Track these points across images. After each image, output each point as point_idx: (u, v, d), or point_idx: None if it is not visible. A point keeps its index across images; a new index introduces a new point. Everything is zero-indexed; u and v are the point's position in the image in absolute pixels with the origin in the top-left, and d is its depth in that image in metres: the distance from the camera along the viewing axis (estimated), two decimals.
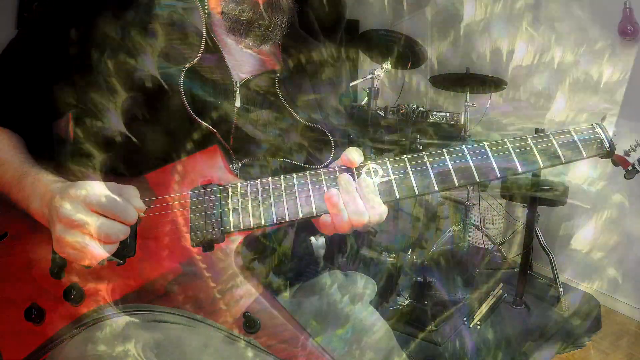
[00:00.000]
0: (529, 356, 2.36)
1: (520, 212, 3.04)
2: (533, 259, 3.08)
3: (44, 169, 0.84)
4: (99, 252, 0.74)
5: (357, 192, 0.80)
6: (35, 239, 0.81)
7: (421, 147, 3.07)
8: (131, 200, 0.78)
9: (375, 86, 3.08)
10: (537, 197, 2.75)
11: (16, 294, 0.80)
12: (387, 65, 3.11)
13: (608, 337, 2.77)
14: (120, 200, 0.76)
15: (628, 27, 2.86)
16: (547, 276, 3.01)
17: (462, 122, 3.20)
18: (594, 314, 2.82)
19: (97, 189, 0.75)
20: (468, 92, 3.27)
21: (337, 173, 0.83)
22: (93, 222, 0.73)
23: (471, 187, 3.30)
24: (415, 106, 3.20)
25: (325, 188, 0.81)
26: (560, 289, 2.77)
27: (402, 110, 3.23)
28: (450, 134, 3.22)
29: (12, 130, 0.92)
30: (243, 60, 0.97)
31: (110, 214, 0.74)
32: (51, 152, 0.93)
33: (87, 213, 0.73)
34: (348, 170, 0.83)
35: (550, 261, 2.88)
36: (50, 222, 0.76)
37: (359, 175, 0.82)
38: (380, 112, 3.19)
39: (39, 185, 0.80)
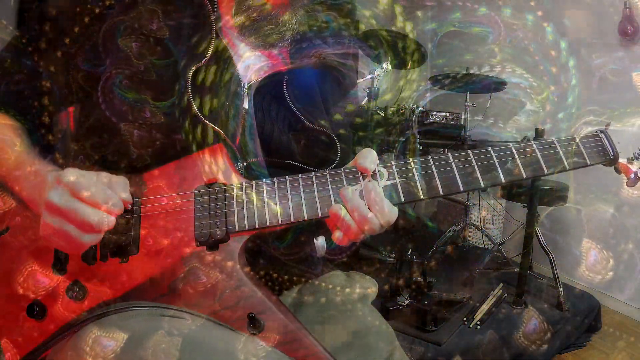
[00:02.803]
0: (529, 356, 2.36)
1: (520, 212, 3.04)
2: (533, 259, 3.08)
3: (42, 159, 0.84)
4: (81, 240, 0.73)
5: (363, 199, 0.80)
6: (37, 234, 0.81)
7: (421, 147, 3.07)
8: (118, 191, 0.77)
9: (375, 86, 3.08)
10: (537, 197, 2.75)
11: (18, 290, 0.80)
12: (387, 65, 3.12)
13: (608, 337, 2.77)
14: (106, 189, 0.75)
15: (628, 27, 2.86)
16: (547, 276, 3.00)
17: (462, 122, 3.20)
18: (594, 314, 2.82)
19: (85, 176, 0.74)
20: (468, 92, 3.27)
21: (343, 175, 0.82)
22: (75, 209, 0.72)
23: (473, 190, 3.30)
24: (415, 106, 3.20)
25: (330, 190, 0.81)
26: (560, 289, 2.76)
27: (402, 110, 3.24)
28: (450, 134, 3.22)
29: (14, 118, 0.92)
30: (252, 62, 0.97)
31: (94, 203, 0.73)
32: (52, 144, 0.93)
33: (71, 200, 0.72)
34: (355, 171, 0.83)
35: (550, 261, 2.88)
36: (40, 210, 0.76)
37: (364, 177, 0.82)
38: (380, 112, 3.19)
39: (36, 175, 0.80)
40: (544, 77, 3.44)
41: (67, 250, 0.75)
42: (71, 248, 0.75)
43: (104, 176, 0.77)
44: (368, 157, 0.82)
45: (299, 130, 0.99)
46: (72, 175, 0.73)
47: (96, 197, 0.73)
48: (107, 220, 0.74)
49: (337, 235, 0.80)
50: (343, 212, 0.79)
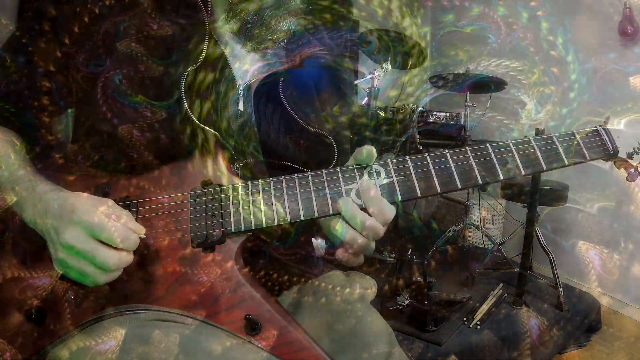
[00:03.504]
0: (529, 356, 2.35)
1: (520, 212, 3.04)
2: (533, 259, 3.08)
3: (39, 174, 0.84)
4: (101, 279, 0.74)
5: (359, 198, 0.79)
6: (35, 238, 0.80)
7: (421, 147, 3.07)
8: (129, 225, 0.76)
9: (375, 86, 3.08)
10: (537, 197, 2.75)
11: (17, 295, 0.80)
12: (387, 65, 3.11)
13: (608, 337, 2.77)
14: (122, 229, 0.74)
15: (628, 27, 2.86)
16: (547, 276, 3.00)
17: (462, 122, 3.20)
18: (594, 314, 2.82)
19: (98, 216, 0.73)
20: (468, 92, 3.27)
21: (340, 175, 0.82)
22: (96, 253, 0.72)
23: (472, 188, 3.30)
24: (415, 106, 3.20)
25: (327, 190, 0.81)
26: (560, 289, 2.76)
27: (402, 110, 3.24)
28: (450, 134, 3.22)
29: (11, 129, 0.91)
30: (247, 62, 0.97)
31: (113, 244, 0.73)
32: (48, 152, 0.92)
33: (90, 243, 0.72)
34: (352, 170, 0.82)
35: (550, 261, 2.88)
36: (48, 239, 0.76)
37: (361, 176, 0.82)
38: (380, 112, 3.19)
39: (33, 194, 0.79)
40: (543, 79, 3.44)
41: (84, 283, 0.76)
42: (87, 284, 0.75)
43: (111, 209, 0.75)
44: (365, 152, 0.81)
45: (296, 132, 0.98)
46: (85, 213, 0.72)
47: (115, 238, 0.72)
48: (127, 260, 0.75)
49: (339, 251, 0.81)
50: (344, 224, 0.79)
